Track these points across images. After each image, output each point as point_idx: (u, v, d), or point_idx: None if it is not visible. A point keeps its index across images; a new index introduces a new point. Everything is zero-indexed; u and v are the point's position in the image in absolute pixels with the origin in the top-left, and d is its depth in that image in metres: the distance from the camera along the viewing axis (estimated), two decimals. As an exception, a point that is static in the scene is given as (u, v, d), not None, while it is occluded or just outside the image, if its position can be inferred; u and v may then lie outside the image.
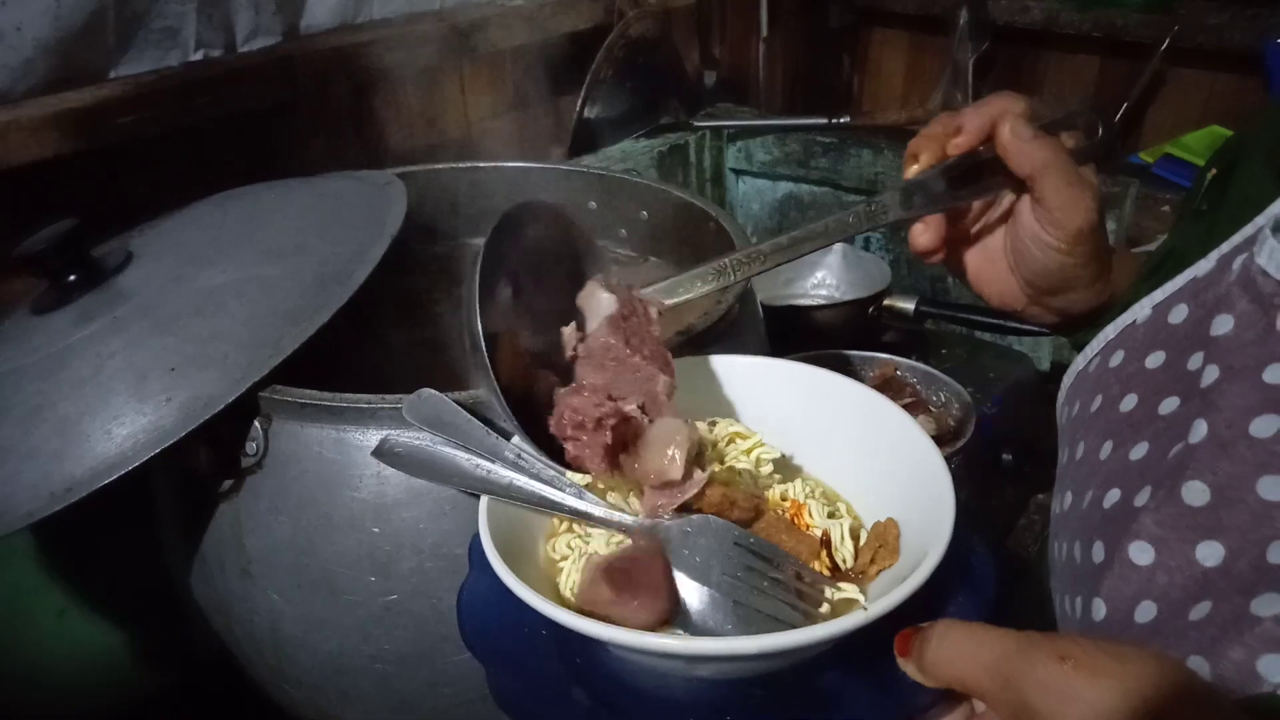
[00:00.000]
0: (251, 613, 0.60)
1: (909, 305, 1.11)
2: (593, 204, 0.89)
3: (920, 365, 1.00)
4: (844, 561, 0.46)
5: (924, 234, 0.59)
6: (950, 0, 1.67)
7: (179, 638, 0.73)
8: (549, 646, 0.44)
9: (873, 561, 0.45)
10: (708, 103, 1.43)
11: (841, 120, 1.27)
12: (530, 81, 1.30)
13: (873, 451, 0.50)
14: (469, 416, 0.49)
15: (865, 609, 0.38)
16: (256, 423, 0.56)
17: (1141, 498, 0.47)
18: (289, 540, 0.57)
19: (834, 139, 1.27)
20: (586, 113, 1.30)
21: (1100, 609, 0.47)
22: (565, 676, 0.44)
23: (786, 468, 0.52)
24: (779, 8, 1.67)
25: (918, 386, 0.99)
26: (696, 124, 1.33)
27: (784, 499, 0.48)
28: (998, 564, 0.47)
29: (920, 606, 0.39)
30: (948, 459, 0.47)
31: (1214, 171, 0.55)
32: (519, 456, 0.48)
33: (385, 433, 0.52)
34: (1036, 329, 1.08)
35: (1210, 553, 0.43)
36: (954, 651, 0.36)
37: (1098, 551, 0.48)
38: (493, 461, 0.48)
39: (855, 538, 0.47)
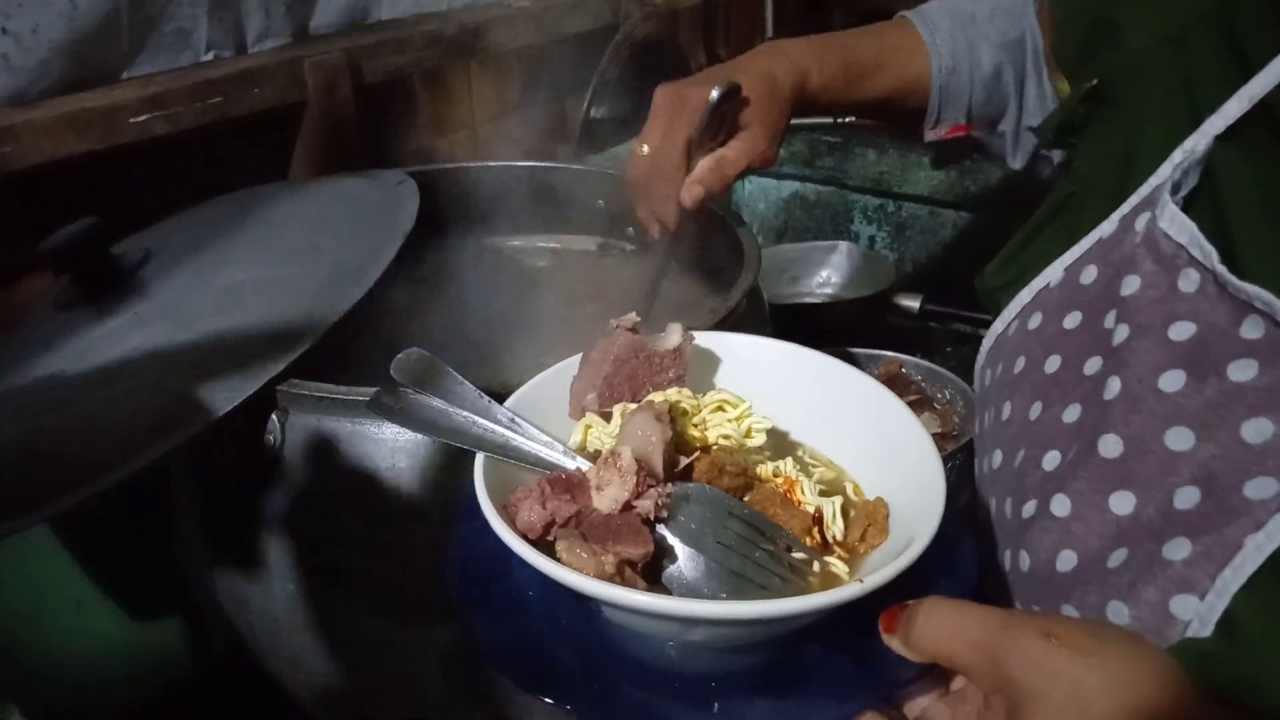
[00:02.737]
0: (268, 603, 0.61)
1: (914, 303, 1.12)
2: (601, 203, 0.90)
3: (925, 363, 1.01)
4: (834, 539, 0.46)
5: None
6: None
7: (195, 631, 0.74)
8: (536, 606, 0.45)
9: (862, 539, 0.46)
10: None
11: (846, 120, 1.28)
12: (537, 82, 1.31)
13: (863, 433, 0.51)
14: (460, 379, 0.49)
15: (861, 581, 0.39)
16: (274, 416, 0.57)
17: (1072, 457, 0.49)
18: (304, 531, 0.58)
19: (839, 138, 1.28)
20: (593, 113, 1.31)
21: (1025, 560, 0.49)
22: (552, 636, 0.44)
23: (779, 446, 0.53)
24: (783, 9, 1.68)
25: (922, 384, 1.00)
26: (703, 124, 1.34)
27: (775, 475, 0.49)
28: (978, 549, 0.48)
29: (905, 588, 0.39)
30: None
31: (1094, 83, 0.57)
32: (512, 420, 0.48)
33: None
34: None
35: (1122, 502, 0.45)
36: (941, 627, 0.37)
37: (1028, 508, 0.50)
38: (488, 421, 0.48)
39: (846, 516, 0.47)
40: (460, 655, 0.60)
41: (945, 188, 1.20)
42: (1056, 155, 0.71)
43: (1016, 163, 0.76)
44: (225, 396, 0.54)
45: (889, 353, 1.02)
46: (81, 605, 0.73)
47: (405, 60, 1.11)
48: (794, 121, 1.33)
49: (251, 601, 0.62)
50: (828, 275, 1.24)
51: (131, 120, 0.86)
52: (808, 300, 1.20)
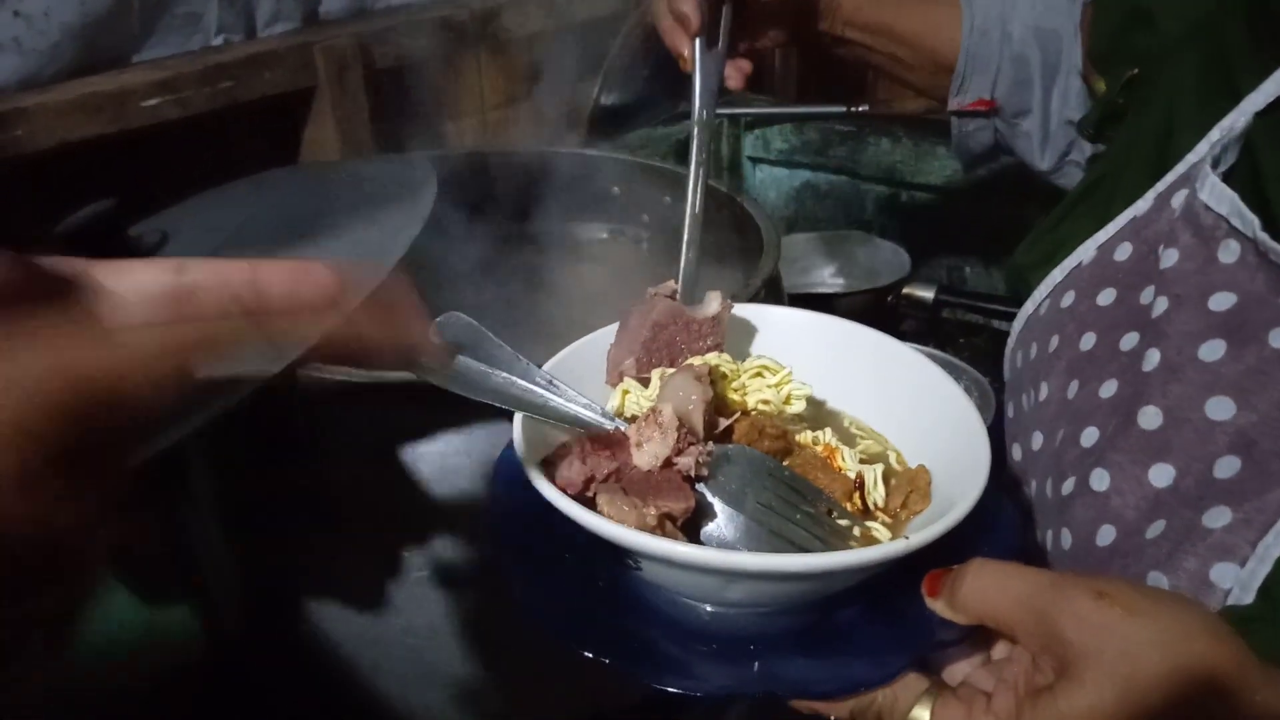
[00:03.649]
0: (286, 588, 0.61)
1: (928, 294, 1.11)
2: (616, 189, 0.89)
3: (939, 353, 1.00)
4: (875, 505, 0.46)
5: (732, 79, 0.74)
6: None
7: (207, 612, 0.74)
8: (573, 567, 0.44)
9: (904, 506, 0.45)
10: (723, 90, 1.43)
11: (860, 109, 1.27)
12: (547, 68, 1.30)
13: (905, 402, 0.51)
14: (499, 342, 0.48)
15: (906, 538, 0.38)
16: (295, 400, 0.56)
17: (1111, 431, 0.49)
18: (326, 516, 0.58)
19: (852, 127, 1.27)
20: (603, 99, 1.29)
21: (1066, 538, 0.50)
22: (589, 595, 0.44)
23: (817, 416, 0.53)
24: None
25: (938, 373, 0.99)
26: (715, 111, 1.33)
27: (815, 443, 0.49)
28: (1019, 516, 0.48)
29: (946, 554, 0.39)
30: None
31: (1134, 71, 0.58)
32: (550, 382, 0.47)
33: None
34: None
35: (1161, 474, 0.46)
36: (988, 587, 0.37)
37: (1067, 486, 0.50)
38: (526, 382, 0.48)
39: (888, 483, 0.47)
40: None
41: (959, 178, 1.20)
42: (1085, 153, 0.71)
43: (1045, 163, 0.75)
44: (245, 381, 0.54)
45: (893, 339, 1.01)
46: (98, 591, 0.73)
47: (416, 45, 1.10)
48: (806, 109, 1.33)
49: (269, 585, 0.62)
50: (840, 265, 1.23)
51: (142, 104, 0.85)
52: (820, 290, 1.19)
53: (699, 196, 0.68)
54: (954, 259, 1.25)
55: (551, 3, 1.24)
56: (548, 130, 1.33)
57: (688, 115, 1.35)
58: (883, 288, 1.12)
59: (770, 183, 1.39)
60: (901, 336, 1.04)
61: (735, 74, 0.76)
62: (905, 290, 1.12)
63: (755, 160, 1.38)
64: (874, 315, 1.11)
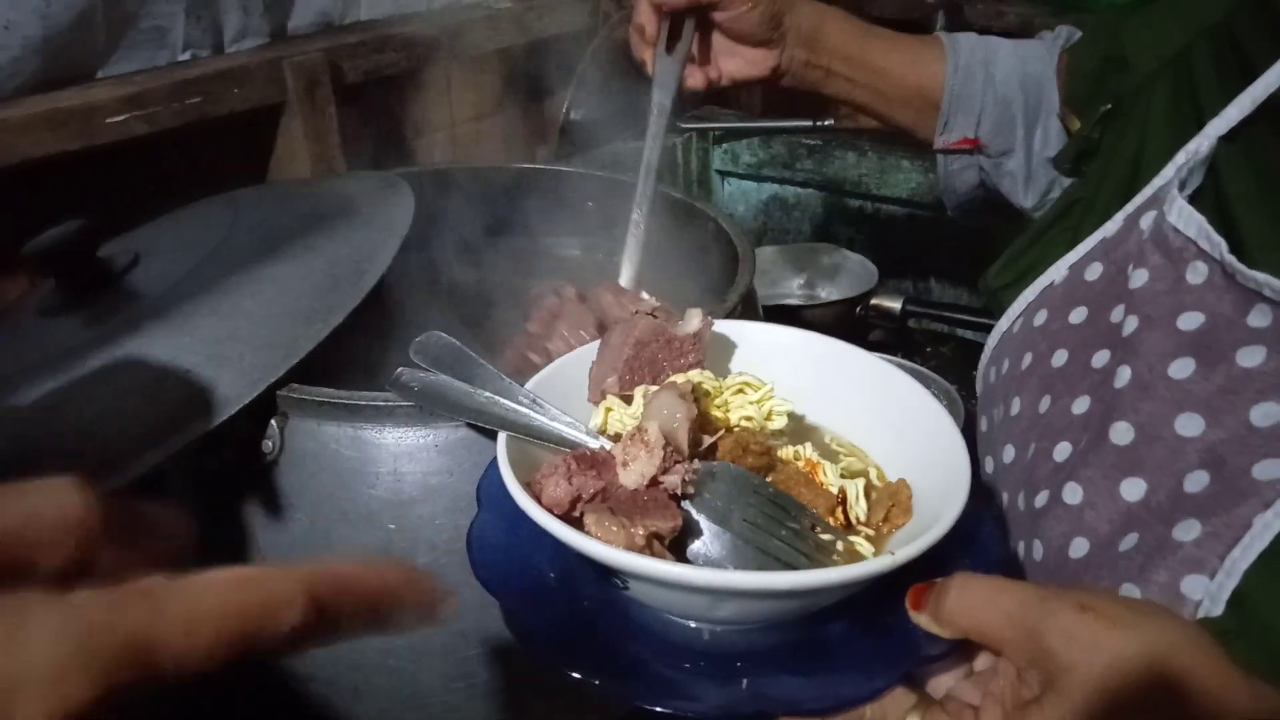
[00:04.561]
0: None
1: (896, 304, 1.13)
2: (590, 204, 0.89)
3: (907, 363, 1.01)
4: (858, 519, 0.47)
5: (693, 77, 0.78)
6: (928, 5, 1.70)
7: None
8: (558, 589, 0.44)
9: (886, 520, 0.46)
10: (690, 104, 1.44)
11: (826, 123, 1.29)
12: (516, 83, 1.30)
13: (883, 417, 0.51)
14: (481, 361, 0.49)
15: (892, 554, 0.39)
16: (273, 421, 0.56)
17: (1083, 446, 0.50)
18: (304, 538, 0.57)
19: (818, 141, 1.29)
20: (573, 114, 1.30)
21: (1038, 549, 0.50)
22: (576, 617, 0.44)
23: (799, 431, 0.53)
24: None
25: (907, 384, 1.01)
26: (683, 125, 1.34)
27: (796, 458, 0.49)
28: (1001, 529, 0.48)
29: (928, 568, 0.40)
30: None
31: (1108, 106, 0.60)
32: (534, 401, 0.48)
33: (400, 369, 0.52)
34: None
35: (1133, 488, 0.47)
36: (973, 601, 0.37)
37: (1040, 499, 0.51)
38: (509, 401, 0.48)
39: (869, 497, 0.48)
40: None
41: (924, 190, 1.22)
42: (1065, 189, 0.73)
43: (1028, 201, 0.77)
44: (223, 404, 0.53)
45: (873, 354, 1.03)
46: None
47: (386, 61, 1.10)
48: (774, 124, 1.35)
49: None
50: (809, 277, 1.25)
51: (109, 120, 0.84)
52: (790, 302, 1.20)
53: (651, 178, 0.79)
54: (920, 269, 1.27)
55: (520, 18, 1.24)
56: (517, 145, 1.33)
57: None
58: (851, 299, 1.14)
59: (739, 196, 1.40)
60: (870, 347, 1.05)
61: (697, 73, 0.80)
62: (873, 301, 1.14)
63: (724, 174, 1.40)
64: (843, 326, 1.13)
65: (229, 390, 0.54)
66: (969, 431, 0.94)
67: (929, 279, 1.26)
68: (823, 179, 1.30)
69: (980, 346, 1.17)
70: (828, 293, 1.23)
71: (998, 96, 0.75)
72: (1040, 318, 0.57)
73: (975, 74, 0.76)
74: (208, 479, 0.57)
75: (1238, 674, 0.34)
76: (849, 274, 1.21)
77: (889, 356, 1.01)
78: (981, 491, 0.48)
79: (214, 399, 0.53)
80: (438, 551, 0.57)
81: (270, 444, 0.56)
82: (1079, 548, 0.48)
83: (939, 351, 1.15)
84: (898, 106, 0.81)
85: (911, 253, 1.27)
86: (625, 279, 0.78)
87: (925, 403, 0.50)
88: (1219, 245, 0.47)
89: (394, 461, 0.56)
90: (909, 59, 0.78)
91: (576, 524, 0.41)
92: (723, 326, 0.55)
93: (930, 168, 1.20)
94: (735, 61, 0.80)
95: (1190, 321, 0.47)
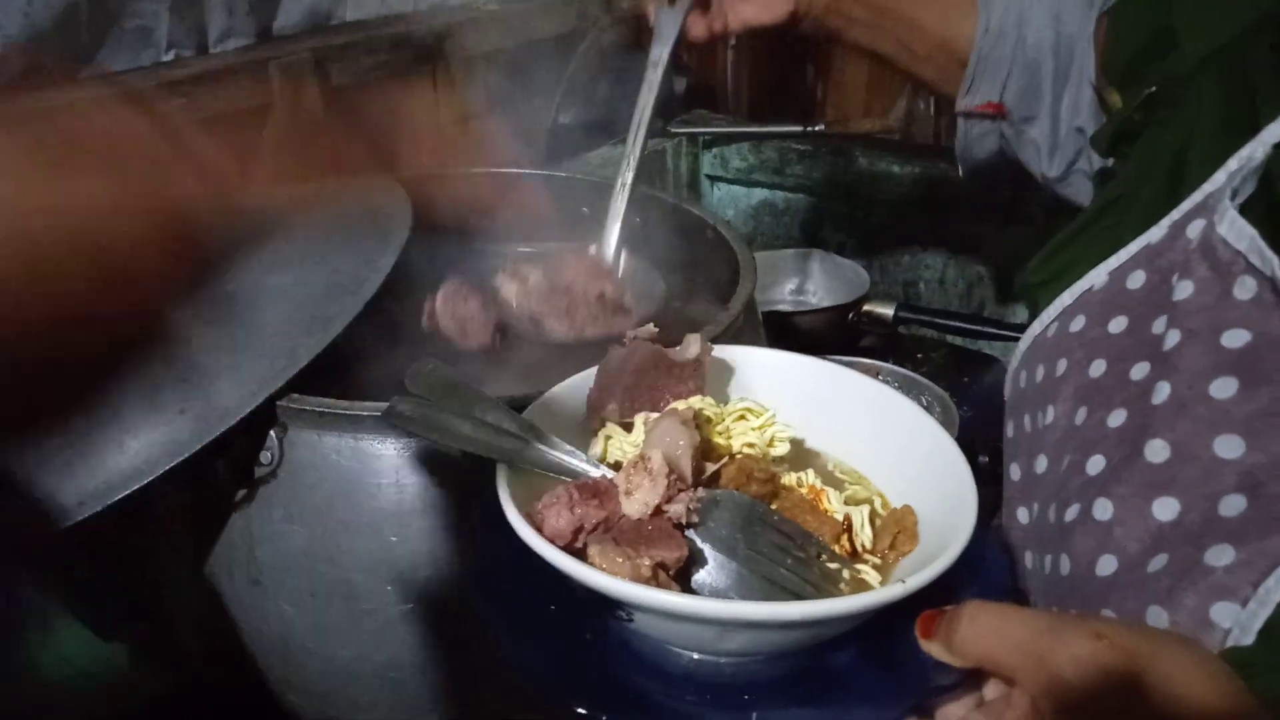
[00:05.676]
0: (261, 622, 0.59)
1: (888, 310, 1.13)
2: (585, 210, 0.88)
3: (901, 370, 1.01)
4: (863, 547, 0.46)
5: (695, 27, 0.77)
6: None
7: (171, 646, 0.71)
8: (558, 620, 0.43)
9: (892, 547, 0.45)
10: (678, 109, 1.44)
11: (815, 128, 1.29)
12: (504, 86, 1.29)
13: (887, 444, 0.51)
14: (477, 389, 0.48)
15: (903, 582, 0.38)
16: (272, 432, 0.54)
17: (1116, 462, 0.49)
18: (303, 549, 0.56)
19: (809, 146, 1.29)
20: (560, 118, 1.29)
21: (1066, 564, 0.49)
22: (578, 649, 0.43)
23: (800, 456, 0.53)
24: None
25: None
26: (673, 130, 1.34)
27: (799, 485, 0.49)
28: (1008, 554, 0.48)
29: (937, 595, 0.39)
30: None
31: (1153, 89, 0.57)
32: (532, 428, 0.47)
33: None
34: (1008, 333, 1.10)
35: (1165, 508, 0.45)
36: (985, 630, 0.36)
37: (1070, 513, 0.50)
38: (507, 429, 0.47)
39: (874, 524, 0.47)
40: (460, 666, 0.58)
41: (915, 196, 1.22)
42: (1094, 164, 0.70)
43: (1053, 170, 0.74)
44: (221, 415, 0.52)
45: (865, 360, 1.03)
46: (51, 627, 0.70)
47: (374, 62, 1.09)
48: (764, 128, 1.34)
49: (242, 619, 0.60)
50: (800, 283, 1.24)
51: (92, 121, 0.82)
52: (783, 308, 1.20)
53: (642, 137, 0.78)
54: (912, 275, 1.28)
55: (508, 21, 1.23)
56: (504, 148, 1.32)
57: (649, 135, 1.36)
58: (843, 305, 1.13)
59: (729, 201, 1.40)
60: (862, 353, 1.06)
61: (699, 23, 0.79)
62: (865, 307, 1.14)
63: (713, 179, 1.39)
64: (835, 332, 1.13)
65: (228, 401, 0.53)
66: (965, 439, 0.94)
67: (920, 285, 1.27)
68: (813, 184, 1.30)
69: (968, 351, 1.19)
70: (819, 299, 1.23)
71: (1026, 60, 0.72)
72: (1078, 324, 0.55)
73: (1006, 35, 0.72)
74: (206, 491, 0.56)
75: (1256, 706, 0.34)
76: (840, 280, 1.20)
77: (880, 363, 1.02)
78: (985, 513, 0.47)
79: (212, 410, 0.52)
80: (440, 563, 0.56)
81: (269, 455, 0.55)
82: (1107, 565, 0.47)
83: (930, 358, 1.15)
84: (921, 60, 0.78)
85: (903, 258, 1.28)
86: (610, 244, 0.77)
87: (926, 425, 0.49)
88: (1270, 261, 0.45)
89: (396, 473, 0.55)
90: (939, 13, 0.75)
91: (579, 555, 0.40)
92: (720, 351, 0.54)
93: (922, 173, 1.21)
94: (749, 7, 0.77)
95: (1235, 339, 0.46)
